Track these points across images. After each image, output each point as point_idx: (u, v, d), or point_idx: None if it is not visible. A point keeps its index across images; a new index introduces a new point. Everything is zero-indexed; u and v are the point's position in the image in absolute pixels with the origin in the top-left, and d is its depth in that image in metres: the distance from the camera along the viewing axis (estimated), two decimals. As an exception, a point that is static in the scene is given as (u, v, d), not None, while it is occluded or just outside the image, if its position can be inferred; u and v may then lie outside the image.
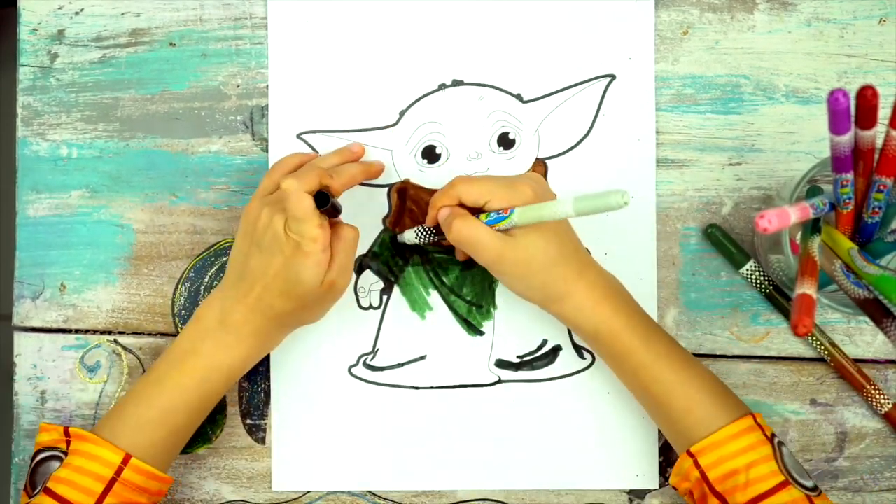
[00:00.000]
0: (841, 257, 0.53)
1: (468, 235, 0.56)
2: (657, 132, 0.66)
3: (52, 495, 0.56)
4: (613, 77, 0.66)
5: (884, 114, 0.49)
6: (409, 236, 0.63)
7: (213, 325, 0.58)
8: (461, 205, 0.58)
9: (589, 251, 0.62)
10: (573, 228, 0.60)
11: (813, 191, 0.58)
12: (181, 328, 0.66)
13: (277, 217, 0.56)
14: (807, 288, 0.48)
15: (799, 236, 0.55)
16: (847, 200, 0.52)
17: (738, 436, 0.55)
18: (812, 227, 0.54)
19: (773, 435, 0.56)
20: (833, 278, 0.54)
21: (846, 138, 0.48)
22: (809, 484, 0.55)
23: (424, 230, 0.62)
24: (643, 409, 0.61)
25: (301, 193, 0.54)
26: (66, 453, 0.58)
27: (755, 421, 0.56)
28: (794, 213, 0.48)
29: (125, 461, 0.56)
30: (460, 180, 0.58)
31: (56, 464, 0.57)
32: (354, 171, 0.61)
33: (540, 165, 0.66)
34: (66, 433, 0.58)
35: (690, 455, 0.56)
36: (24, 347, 0.66)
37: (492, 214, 0.56)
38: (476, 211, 0.58)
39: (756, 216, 0.46)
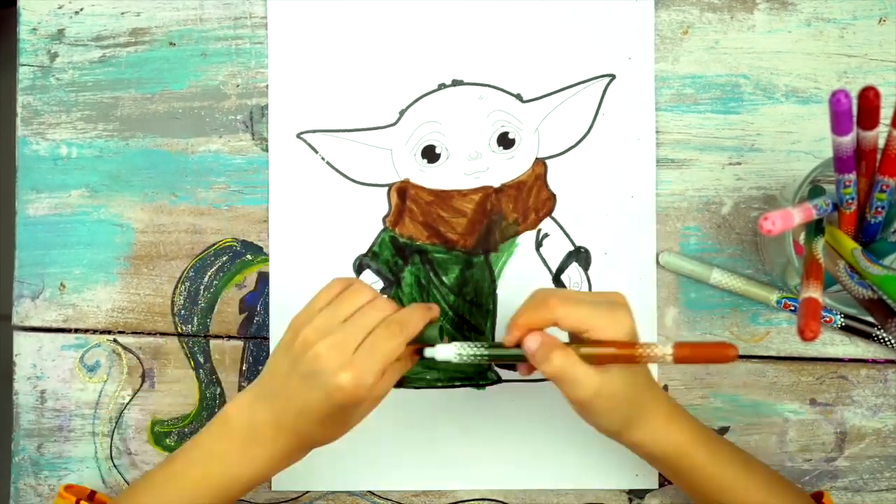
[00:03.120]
0: (844, 258, 0.53)
1: (566, 371, 0.51)
2: (657, 132, 0.66)
3: None
4: (613, 77, 0.66)
5: (885, 114, 0.49)
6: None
7: (242, 433, 0.54)
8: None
9: None
10: None
11: (815, 191, 0.58)
12: (181, 328, 0.66)
13: (323, 345, 0.51)
14: (812, 291, 0.48)
15: (802, 237, 0.55)
16: (850, 201, 0.52)
17: None
18: (815, 228, 0.54)
19: None
20: (837, 279, 0.54)
21: (848, 139, 0.48)
22: None
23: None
24: None
25: (403, 341, 0.52)
26: None
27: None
28: (798, 215, 0.48)
29: None
30: (556, 300, 0.52)
31: None
32: (424, 318, 0.55)
33: (540, 165, 0.66)
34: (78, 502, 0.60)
35: None
36: (24, 347, 0.66)
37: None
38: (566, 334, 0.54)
39: (759, 218, 0.46)
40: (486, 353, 0.53)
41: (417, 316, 0.54)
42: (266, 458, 0.54)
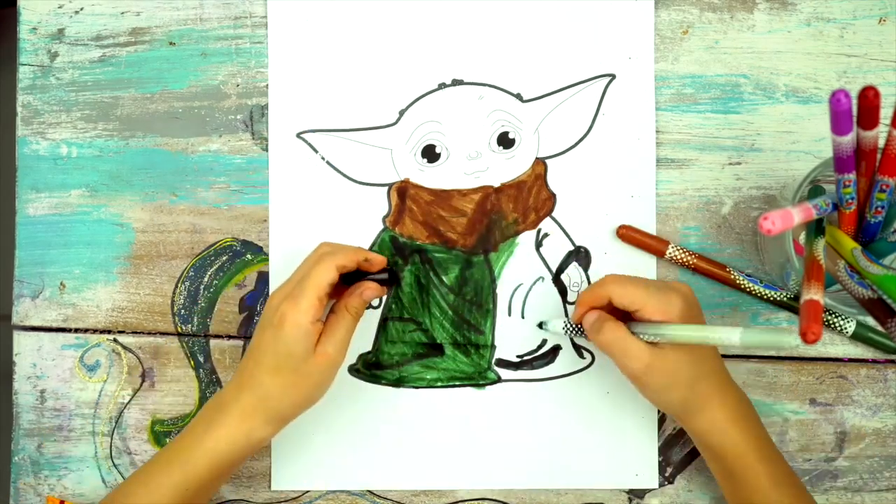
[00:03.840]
0: (844, 257, 0.53)
1: (618, 341, 0.55)
2: (657, 132, 0.66)
3: None
4: (613, 76, 0.66)
5: (885, 113, 0.49)
6: (557, 328, 0.63)
7: (210, 404, 0.59)
8: (608, 304, 0.58)
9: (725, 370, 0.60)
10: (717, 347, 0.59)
11: (815, 191, 0.58)
12: (181, 328, 0.66)
13: (277, 292, 0.57)
14: (814, 294, 0.48)
15: (802, 237, 0.55)
16: (850, 200, 0.52)
17: None
18: (815, 227, 0.54)
19: None
20: (837, 279, 0.54)
21: (848, 139, 0.48)
22: None
23: (573, 327, 0.61)
24: None
25: (330, 265, 0.56)
26: None
27: None
28: (798, 214, 0.48)
29: None
30: (612, 280, 0.57)
31: None
32: (358, 249, 0.60)
33: (540, 165, 0.66)
34: None
35: None
36: (24, 346, 0.66)
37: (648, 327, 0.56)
38: (616, 313, 0.57)
39: (760, 218, 0.46)
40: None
41: (350, 248, 0.59)
42: (226, 425, 0.57)
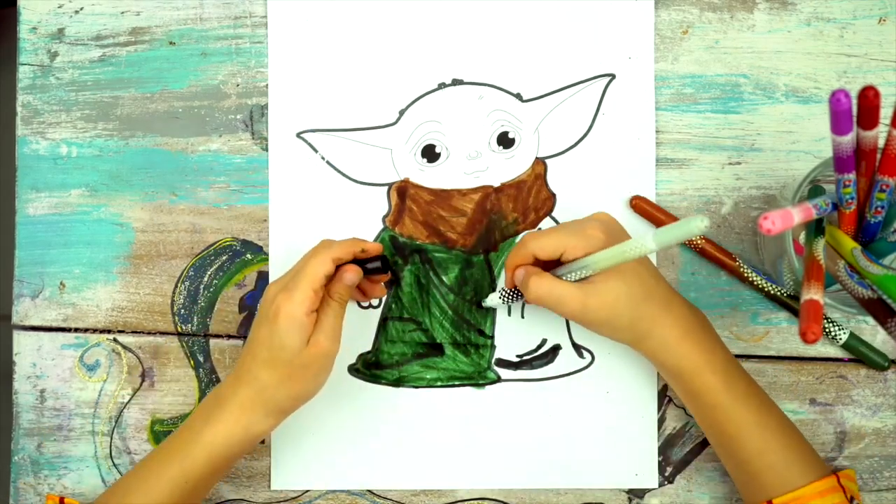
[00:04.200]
0: (844, 257, 0.53)
1: (547, 293, 0.55)
2: (657, 131, 0.66)
3: None
4: (613, 76, 0.66)
5: (885, 113, 0.49)
6: (494, 300, 0.63)
7: (209, 399, 0.59)
8: (537, 261, 0.58)
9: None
10: (653, 263, 0.59)
11: (815, 191, 0.58)
12: (181, 327, 0.66)
13: (273, 286, 0.57)
14: (814, 293, 0.48)
15: (802, 237, 0.55)
16: (850, 200, 0.52)
17: (823, 494, 0.55)
18: (815, 227, 0.54)
19: (852, 498, 0.56)
20: (837, 279, 0.54)
21: (848, 139, 0.48)
22: None
23: (508, 292, 0.61)
24: (716, 452, 0.60)
25: (326, 258, 0.56)
26: None
27: (838, 482, 0.56)
28: (798, 214, 0.48)
29: None
30: (529, 237, 0.57)
31: None
32: (355, 241, 0.60)
33: (539, 164, 0.66)
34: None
35: None
36: (24, 346, 0.66)
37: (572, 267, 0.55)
38: (551, 264, 0.57)
39: (759, 217, 0.46)
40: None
41: (347, 241, 0.59)
42: (224, 419, 0.57)
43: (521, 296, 0.60)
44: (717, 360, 0.57)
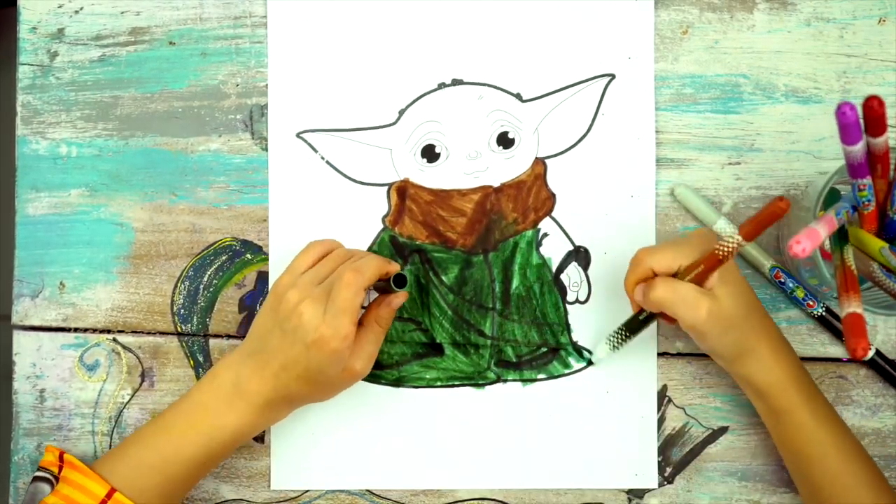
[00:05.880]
0: (874, 257, 0.53)
1: (679, 295, 0.55)
2: (657, 131, 0.66)
3: None
4: (613, 76, 0.66)
5: (892, 113, 0.48)
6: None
7: (228, 387, 0.59)
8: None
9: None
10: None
11: (831, 195, 0.58)
12: (181, 327, 0.66)
13: (306, 304, 0.56)
14: (854, 307, 0.48)
15: (827, 244, 0.55)
16: (867, 202, 0.52)
17: None
18: (838, 233, 0.54)
19: None
20: (872, 280, 0.53)
21: (859, 147, 0.48)
22: None
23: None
24: (790, 470, 0.61)
25: (359, 287, 0.56)
26: (57, 479, 0.59)
27: None
28: (823, 230, 0.48)
29: (109, 495, 0.56)
30: (643, 253, 0.57)
31: (47, 487, 0.59)
32: (381, 262, 0.60)
33: (539, 164, 0.66)
34: (61, 458, 0.60)
35: None
36: (24, 346, 0.66)
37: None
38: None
39: (790, 242, 0.46)
40: (626, 331, 0.61)
41: (373, 264, 0.58)
42: (248, 411, 0.58)
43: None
44: (803, 380, 0.58)
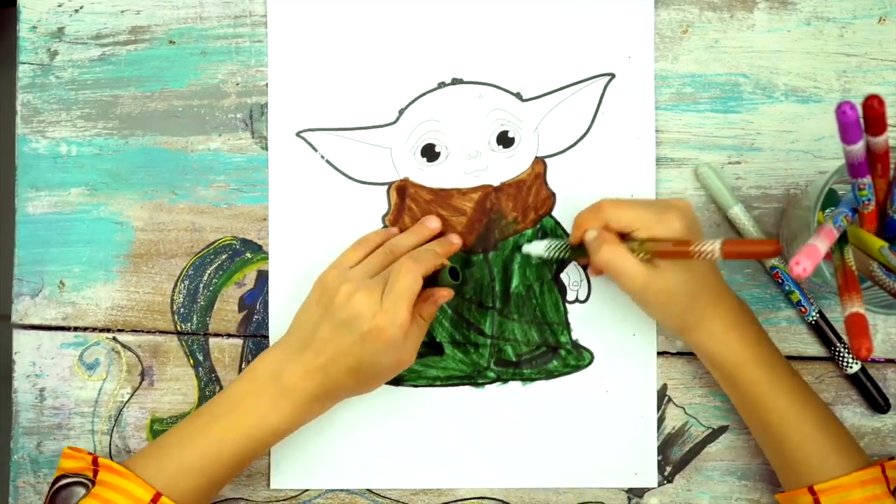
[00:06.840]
0: (874, 257, 0.53)
1: (616, 264, 0.55)
2: (657, 131, 0.66)
3: None
4: (613, 76, 0.66)
5: (892, 112, 0.48)
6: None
7: (268, 383, 0.58)
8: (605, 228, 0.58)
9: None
10: None
11: (830, 196, 0.58)
12: (180, 326, 0.66)
13: (360, 295, 0.56)
14: (856, 307, 0.48)
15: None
16: (866, 202, 0.52)
17: (865, 484, 0.55)
18: (839, 237, 0.54)
19: (895, 490, 0.57)
20: (872, 280, 0.53)
21: (859, 146, 0.48)
22: None
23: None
24: (758, 441, 0.61)
25: (418, 275, 0.56)
26: (92, 482, 0.57)
27: (882, 472, 0.56)
28: (823, 245, 0.48)
29: (155, 500, 0.56)
30: (608, 204, 0.57)
31: (81, 490, 0.57)
32: (437, 254, 0.60)
33: (539, 164, 0.66)
34: (95, 462, 0.58)
35: (812, 492, 0.56)
36: (23, 345, 0.66)
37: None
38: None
39: (791, 264, 0.46)
40: (564, 245, 0.61)
41: (431, 255, 0.59)
42: (293, 408, 0.58)
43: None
44: (762, 353, 0.58)
